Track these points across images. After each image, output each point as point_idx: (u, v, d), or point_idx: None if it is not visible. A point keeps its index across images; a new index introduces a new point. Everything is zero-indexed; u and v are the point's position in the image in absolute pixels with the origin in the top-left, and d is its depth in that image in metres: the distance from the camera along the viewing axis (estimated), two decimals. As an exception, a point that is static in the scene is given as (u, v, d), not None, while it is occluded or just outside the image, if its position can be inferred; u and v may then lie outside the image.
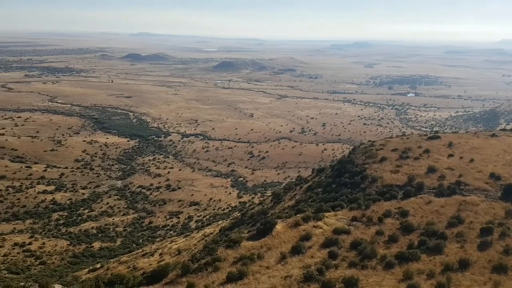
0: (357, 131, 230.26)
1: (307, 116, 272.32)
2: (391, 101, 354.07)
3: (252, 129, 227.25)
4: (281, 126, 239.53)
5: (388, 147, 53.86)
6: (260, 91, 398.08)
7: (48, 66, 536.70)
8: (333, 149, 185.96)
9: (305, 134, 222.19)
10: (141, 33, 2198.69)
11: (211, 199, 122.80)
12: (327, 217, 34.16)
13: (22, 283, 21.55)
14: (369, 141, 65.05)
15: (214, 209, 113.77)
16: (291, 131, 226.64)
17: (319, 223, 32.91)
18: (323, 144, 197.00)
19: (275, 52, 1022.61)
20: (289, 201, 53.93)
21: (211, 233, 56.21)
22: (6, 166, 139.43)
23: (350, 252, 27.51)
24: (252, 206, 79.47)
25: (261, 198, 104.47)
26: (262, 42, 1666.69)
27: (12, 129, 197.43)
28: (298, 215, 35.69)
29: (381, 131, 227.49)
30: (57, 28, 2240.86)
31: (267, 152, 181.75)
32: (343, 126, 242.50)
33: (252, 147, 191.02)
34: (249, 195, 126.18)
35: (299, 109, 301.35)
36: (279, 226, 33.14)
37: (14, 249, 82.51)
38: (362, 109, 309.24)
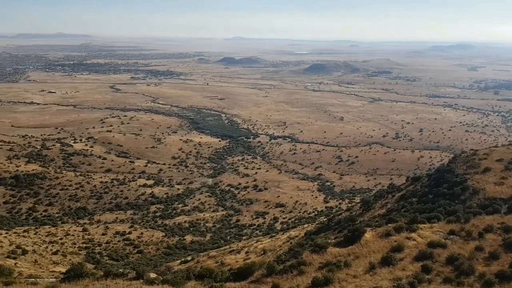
0: (458, 138, 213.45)
1: (402, 120, 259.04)
2: (497, 107, 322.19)
3: (341, 133, 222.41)
4: (373, 130, 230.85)
5: (492, 156, 49.06)
6: (351, 94, 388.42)
7: (152, 69, 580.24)
8: (430, 157, 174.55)
9: (400, 140, 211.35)
10: (236, 37, 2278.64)
11: (297, 201, 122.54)
12: (421, 229, 31.99)
13: (121, 270, 23.29)
14: (472, 149, 60.03)
15: (299, 212, 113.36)
16: (384, 136, 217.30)
17: (413, 234, 30.89)
18: (420, 151, 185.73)
19: (369, 54, 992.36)
20: (379, 210, 51.62)
21: (296, 236, 55.89)
22: (112, 160, 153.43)
23: (445, 267, 25.43)
24: (339, 212, 77.55)
25: (349, 204, 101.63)
26: (356, 44, 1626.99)
27: (118, 126, 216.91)
28: (389, 225, 33.90)
29: (484, 139, 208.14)
30: (161, 33, 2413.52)
31: (356, 157, 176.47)
32: (443, 133, 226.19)
33: (341, 151, 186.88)
34: (336, 200, 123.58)
35: (393, 113, 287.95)
36: (368, 235, 31.77)
37: (115, 237, 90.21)
38: (464, 115, 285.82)
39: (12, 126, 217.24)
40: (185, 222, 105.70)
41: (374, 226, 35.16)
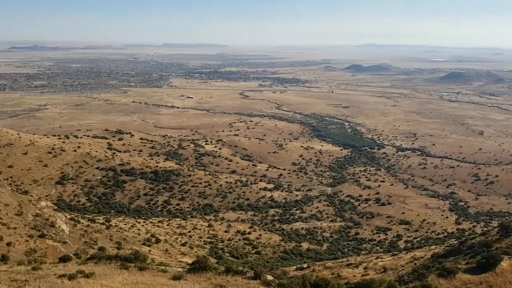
0: None
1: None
2: None
3: (480, 149, 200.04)
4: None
5: None
6: (494, 106, 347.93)
7: (278, 77, 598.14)
8: None
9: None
10: (366, 44, 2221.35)
11: (424, 220, 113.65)
12: None
13: (240, 268, 24.10)
14: None
15: (426, 232, 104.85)
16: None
17: None
18: None
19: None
20: (523, 238, 44.81)
21: (422, 257, 51.62)
22: (237, 163, 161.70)
23: None
24: (472, 236, 69.46)
25: (485, 228, 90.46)
26: (501, 52, 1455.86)
27: (244, 131, 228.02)
28: (535, 257, 29.18)
29: None
30: (291, 42, 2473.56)
31: (497, 176, 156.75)
32: None
33: (479, 168, 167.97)
34: (470, 223, 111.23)
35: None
36: (505, 263, 27.83)
37: (236, 235, 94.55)
38: None
39: (155, 126, 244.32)
40: (302, 228, 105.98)
41: (515, 256, 30.65)
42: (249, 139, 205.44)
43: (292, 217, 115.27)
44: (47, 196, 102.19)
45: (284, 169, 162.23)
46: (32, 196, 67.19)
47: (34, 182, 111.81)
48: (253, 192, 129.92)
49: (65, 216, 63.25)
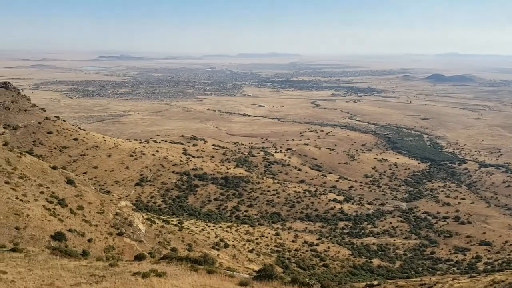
0: None
1: None
2: None
3: None
4: None
5: None
6: None
7: (352, 86, 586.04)
8: None
9: None
10: (449, 53, 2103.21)
11: (506, 242, 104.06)
12: None
13: (307, 280, 23.65)
14: None
15: (509, 254, 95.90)
16: None
17: None
18: None
19: None
20: None
21: (503, 281, 47.19)
22: (306, 172, 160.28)
23: None
24: None
25: None
26: None
27: (315, 140, 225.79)
28: None
29: None
30: (365, 50, 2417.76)
31: None
32: None
33: None
34: None
35: None
36: None
37: (303, 246, 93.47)
38: None
39: (227, 133, 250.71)
40: (373, 244, 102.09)
41: None
42: (320, 148, 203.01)
43: (362, 231, 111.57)
44: (126, 196, 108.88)
45: (356, 181, 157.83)
46: (113, 195, 71.87)
47: (116, 183, 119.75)
48: (322, 203, 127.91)
49: (142, 216, 66.79)
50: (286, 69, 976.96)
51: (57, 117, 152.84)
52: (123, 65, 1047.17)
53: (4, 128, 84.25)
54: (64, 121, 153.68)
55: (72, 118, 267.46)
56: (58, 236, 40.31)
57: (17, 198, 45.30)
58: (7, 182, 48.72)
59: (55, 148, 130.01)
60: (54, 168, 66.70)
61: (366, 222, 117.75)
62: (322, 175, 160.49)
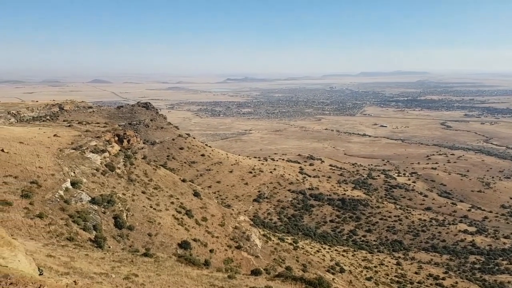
0: None
1: None
2: None
3: None
4: None
5: None
6: None
7: (489, 107, 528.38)
8: None
9: None
10: None
11: None
12: None
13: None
14: None
15: None
16: None
17: None
18: None
19: None
20: None
21: None
22: (433, 199, 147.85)
23: None
24: None
25: None
26: None
27: (444, 165, 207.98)
28: None
29: None
30: (504, 68, 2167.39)
31: None
32: None
33: None
34: None
35: None
36: None
37: (428, 279, 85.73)
38: None
39: (344, 154, 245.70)
40: (508, 282, 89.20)
41: None
42: (449, 174, 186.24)
43: (497, 267, 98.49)
44: (245, 211, 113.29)
45: (491, 212, 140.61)
46: (233, 210, 75.39)
47: (236, 198, 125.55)
48: (450, 233, 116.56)
49: (259, 232, 68.64)
50: (412, 88, 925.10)
51: (188, 134, 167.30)
52: (247, 86, 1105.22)
53: (143, 143, 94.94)
54: (193, 138, 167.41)
55: (201, 136, 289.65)
56: (184, 245, 43.51)
57: (151, 206, 50.33)
58: (143, 192, 54.52)
59: (185, 162, 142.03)
60: (183, 181, 72.68)
61: (501, 258, 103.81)
62: (452, 203, 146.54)
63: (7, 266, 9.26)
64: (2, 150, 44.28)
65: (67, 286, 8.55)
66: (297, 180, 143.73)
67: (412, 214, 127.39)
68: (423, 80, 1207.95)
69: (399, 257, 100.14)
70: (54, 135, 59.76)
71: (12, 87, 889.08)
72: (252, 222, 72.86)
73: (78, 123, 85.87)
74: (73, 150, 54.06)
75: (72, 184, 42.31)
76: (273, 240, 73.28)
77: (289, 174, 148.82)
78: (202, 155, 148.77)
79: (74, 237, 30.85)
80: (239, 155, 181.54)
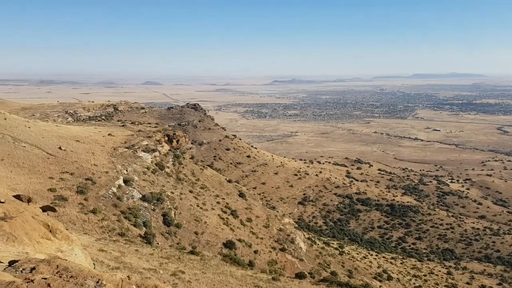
0: None
1: None
2: None
3: None
4: None
5: None
6: None
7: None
8: None
9: None
10: None
11: None
12: None
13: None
14: None
15: None
16: None
17: None
18: None
19: None
20: None
21: None
22: (488, 207, 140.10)
23: None
24: None
25: None
26: None
27: (500, 171, 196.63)
28: None
29: None
30: None
31: None
32: None
33: None
34: None
35: None
36: None
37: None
38: None
39: (394, 158, 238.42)
40: None
41: None
42: (505, 181, 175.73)
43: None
44: (290, 213, 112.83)
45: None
46: (277, 212, 75.37)
47: (280, 200, 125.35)
48: (506, 243, 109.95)
49: (304, 235, 68.13)
50: (467, 91, 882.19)
51: (234, 135, 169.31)
52: (294, 88, 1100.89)
53: (192, 143, 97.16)
54: (240, 139, 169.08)
55: (247, 137, 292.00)
56: (229, 244, 44.07)
57: (197, 206, 51.40)
58: (190, 191, 55.78)
59: (231, 163, 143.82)
60: (229, 181, 73.66)
61: None
62: (508, 211, 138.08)
63: (66, 260, 9.86)
64: (60, 148, 46.99)
65: (122, 281, 8.98)
66: (344, 184, 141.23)
67: (465, 222, 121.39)
68: (479, 83, 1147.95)
69: (450, 266, 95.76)
70: (109, 134, 62.60)
71: (70, 88, 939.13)
72: (296, 225, 72.45)
73: (131, 123, 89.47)
74: (126, 149, 56.37)
75: (125, 181, 44.13)
76: (318, 244, 72.45)
77: (336, 178, 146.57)
78: (248, 156, 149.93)
79: (125, 232, 32.15)
80: (284, 157, 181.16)
